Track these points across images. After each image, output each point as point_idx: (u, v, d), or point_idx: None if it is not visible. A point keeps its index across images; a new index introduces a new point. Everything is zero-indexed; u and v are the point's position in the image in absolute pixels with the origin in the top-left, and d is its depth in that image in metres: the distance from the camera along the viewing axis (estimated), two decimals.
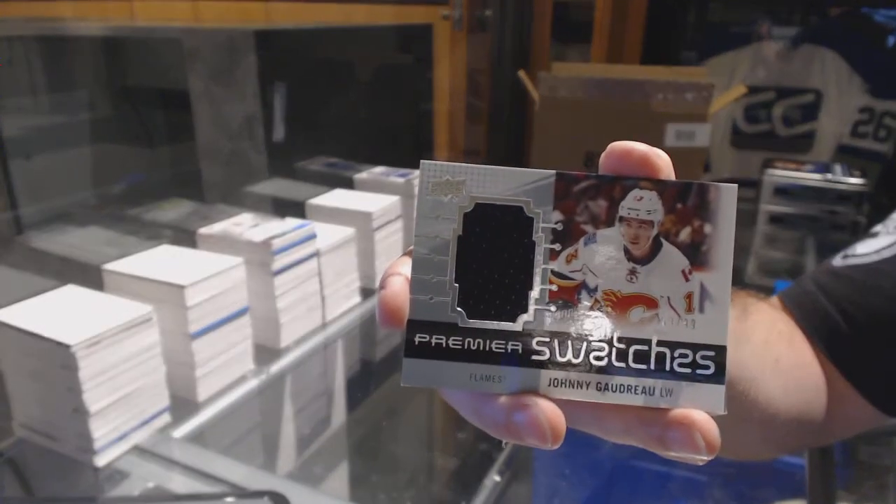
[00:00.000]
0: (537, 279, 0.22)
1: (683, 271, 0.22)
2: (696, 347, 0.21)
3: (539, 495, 0.81)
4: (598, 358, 0.22)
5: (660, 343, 0.22)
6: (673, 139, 1.31)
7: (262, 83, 1.33)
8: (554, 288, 0.22)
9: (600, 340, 0.22)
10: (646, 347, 0.22)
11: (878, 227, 0.51)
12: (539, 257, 0.22)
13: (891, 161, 1.84)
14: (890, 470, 0.81)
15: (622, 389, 0.21)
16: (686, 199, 0.22)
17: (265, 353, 0.87)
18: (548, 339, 0.22)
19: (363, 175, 1.20)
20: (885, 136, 1.84)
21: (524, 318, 0.22)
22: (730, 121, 2.00)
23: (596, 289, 0.22)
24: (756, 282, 1.32)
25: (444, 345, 0.22)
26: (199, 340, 0.76)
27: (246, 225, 0.89)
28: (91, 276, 0.78)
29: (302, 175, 1.31)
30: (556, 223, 0.22)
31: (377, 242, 1.06)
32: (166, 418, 0.73)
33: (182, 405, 0.76)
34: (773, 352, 0.44)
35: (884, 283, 0.47)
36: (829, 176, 1.38)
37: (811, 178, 1.39)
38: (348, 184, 1.19)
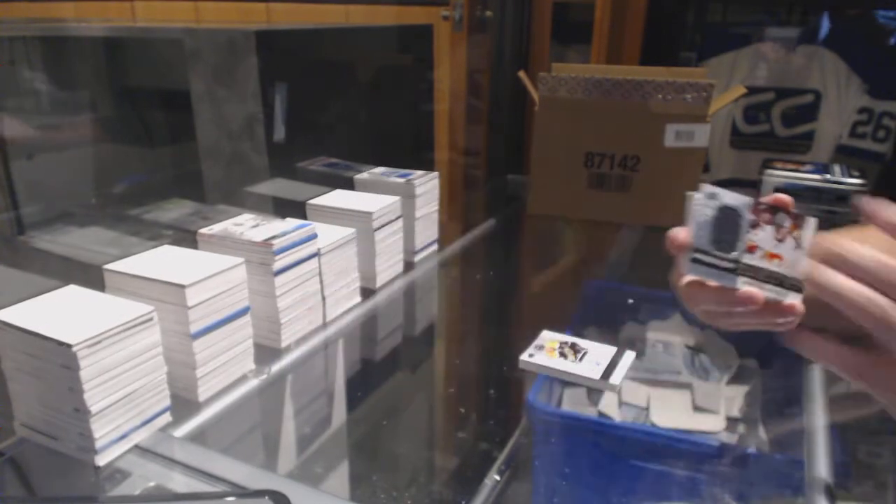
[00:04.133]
0: (741, 241, 0.47)
1: (794, 248, 0.47)
2: (787, 278, 0.47)
3: (539, 495, 0.81)
4: (764, 278, 0.47)
5: (779, 275, 0.47)
6: (672, 139, 1.32)
7: (262, 84, 1.33)
8: (745, 246, 0.47)
9: (763, 269, 0.47)
10: (776, 276, 0.47)
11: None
12: (743, 232, 0.47)
13: (890, 161, 1.84)
14: (890, 470, 0.81)
15: (768, 291, 0.47)
16: (798, 221, 0.47)
17: (266, 352, 0.88)
18: (744, 267, 0.47)
19: (364, 175, 1.20)
20: (884, 137, 1.84)
21: (735, 255, 0.47)
22: (729, 121, 2.00)
23: (763, 249, 0.47)
24: None
25: (705, 261, 0.47)
26: (199, 340, 0.76)
27: (247, 225, 0.90)
28: (92, 276, 0.78)
29: (302, 175, 1.31)
30: (751, 219, 0.47)
31: (377, 242, 1.06)
32: (167, 418, 0.73)
33: (183, 405, 0.76)
34: None
35: None
36: (829, 176, 1.38)
37: (810, 178, 1.39)
38: (349, 184, 1.19)
